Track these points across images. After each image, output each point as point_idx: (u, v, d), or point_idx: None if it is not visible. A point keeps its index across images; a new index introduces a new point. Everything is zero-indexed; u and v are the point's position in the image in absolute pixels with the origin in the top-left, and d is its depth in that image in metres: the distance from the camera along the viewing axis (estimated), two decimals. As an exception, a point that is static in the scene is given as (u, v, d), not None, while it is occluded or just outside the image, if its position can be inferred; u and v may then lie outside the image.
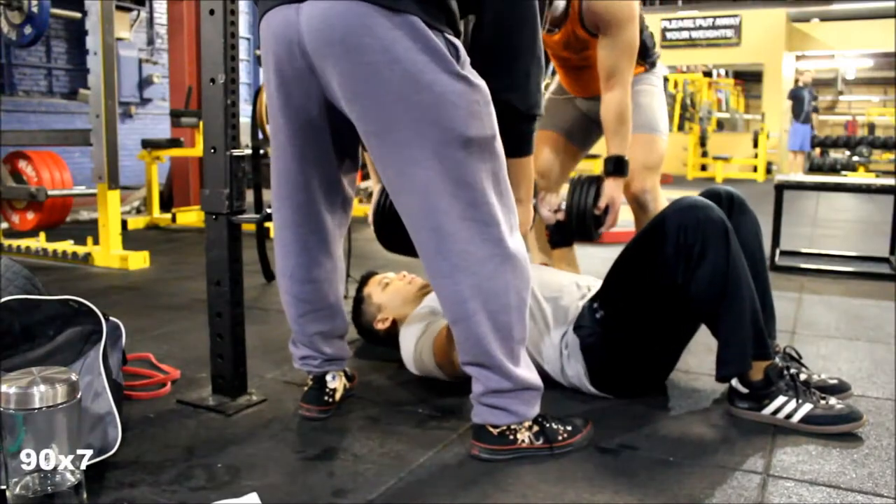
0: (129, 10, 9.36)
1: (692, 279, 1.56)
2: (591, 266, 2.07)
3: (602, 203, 1.99)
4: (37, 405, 1.03)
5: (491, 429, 1.40)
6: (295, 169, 1.47)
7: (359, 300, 2.09)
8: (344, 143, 1.48)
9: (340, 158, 1.51)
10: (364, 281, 2.12)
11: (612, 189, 2.01)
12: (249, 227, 2.16)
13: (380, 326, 2.01)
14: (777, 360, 1.64)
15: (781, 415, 1.57)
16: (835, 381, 1.78)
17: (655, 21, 12.81)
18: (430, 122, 1.26)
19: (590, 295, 1.76)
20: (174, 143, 5.26)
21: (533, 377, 1.42)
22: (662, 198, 2.27)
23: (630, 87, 2.06)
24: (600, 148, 2.47)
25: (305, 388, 1.64)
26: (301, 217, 1.51)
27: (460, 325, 1.37)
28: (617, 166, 2.02)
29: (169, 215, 5.22)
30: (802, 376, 1.69)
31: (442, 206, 1.30)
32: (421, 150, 1.28)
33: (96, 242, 3.71)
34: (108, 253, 3.62)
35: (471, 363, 1.40)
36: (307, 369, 1.64)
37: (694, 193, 1.68)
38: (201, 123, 1.92)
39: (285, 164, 1.48)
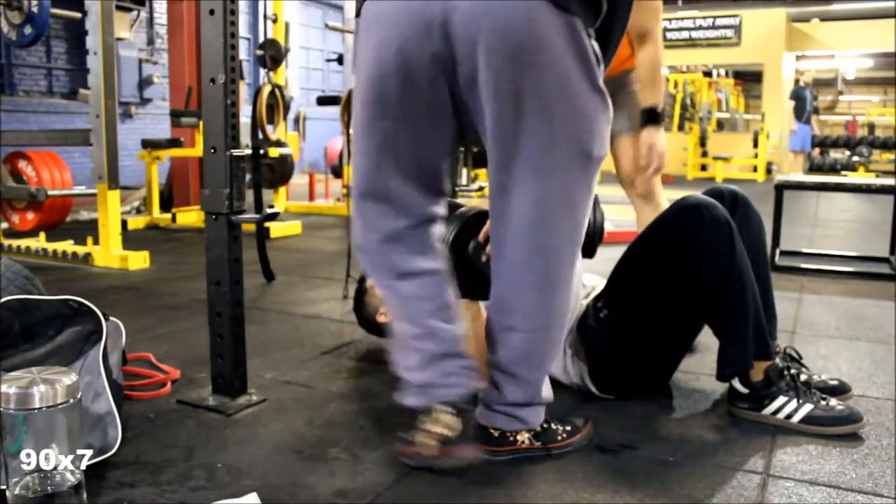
0: (129, 10, 9.32)
1: (696, 278, 1.56)
2: (595, 265, 2.07)
3: (643, 149, 2.18)
4: (37, 405, 1.03)
5: (492, 430, 1.40)
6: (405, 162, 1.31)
7: (361, 291, 2.06)
8: (453, 137, 1.33)
9: (445, 155, 1.35)
10: None
11: (650, 135, 2.19)
12: (249, 227, 2.16)
13: (382, 320, 2.00)
14: (778, 360, 1.64)
15: (782, 415, 1.57)
16: (835, 382, 1.77)
17: (655, 21, 12.78)
18: (562, 135, 1.21)
19: (594, 294, 1.76)
20: (174, 143, 5.26)
21: (549, 392, 1.44)
22: (663, 192, 2.39)
23: (660, 44, 2.23)
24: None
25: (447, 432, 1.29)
26: (408, 213, 1.34)
27: (520, 335, 1.34)
28: (651, 116, 2.20)
29: (169, 215, 5.22)
30: (803, 377, 1.69)
31: (552, 222, 1.28)
32: (545, 160, 1.22)
33: (96, 242, 3.71)
34: (108, 253, 3.62)
35: (505, 371, 1.37)
36: (454, 391, 1.32)
37: (696, 193, 1.68)
38: (201, 123, 1.92)
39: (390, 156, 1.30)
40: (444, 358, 1.31)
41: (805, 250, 4.06)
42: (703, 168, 12.71)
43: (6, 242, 4.00)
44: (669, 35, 13.19)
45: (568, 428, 1.46)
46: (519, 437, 1.40)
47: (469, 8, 1.14)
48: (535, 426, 1.42)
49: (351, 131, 1.36)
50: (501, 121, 1.21)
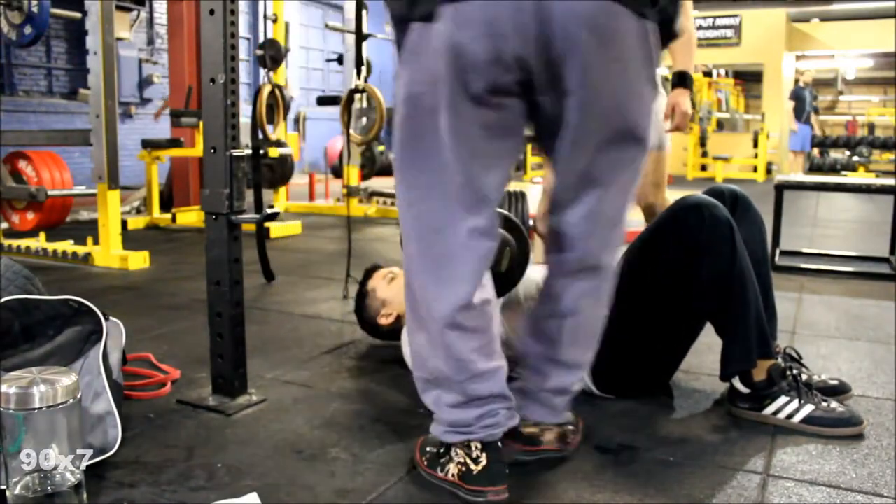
0: (129, 10, 9.33)
1: (696, 278, 1.56)
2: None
3: (668, 108, 2.41)
4: (37, 405, 1.03)
5: (524, 429, 1.38)
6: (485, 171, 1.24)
7: (362, 294, 2.08)
8: (520, 145, 1.31)
9: (513, 159, 1.32)
10: (368, 274, 2.10)
11: (677, 95, 2.41)
12: (249, 227, 2.16)
13: (383, 322, 2.01)
14: (779, 360, 1.64)
15: (782, 415, 1.57)
16: (835, 383, 1.77)
17: (655, 21, 12.77)
18: (631, 132, 1.24)
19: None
20: (174, 143, 5.26)
21: (580, 384, 1.47)
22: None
23: (690, 14, 2.47)
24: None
25: (476, 468, 1.25)
26: (478, 228, 1.25)
27: (572, 320, 1.35)
28: (681, 79, 2.45)
29: (169, 215, 5.22)
30: (804, 377, 1.69)
31: (612, 215, 1.31)
32: (614, 156, 1.25)
33: (96, 242, 3.71)
34: (108, 253, 3.62)
35: (553, 358, 1.37)
36: (495, 430, 1.28)
37: (696, 193, 1.68)
38: (201, 123, 1.92)
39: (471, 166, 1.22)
40: (488, 401, 1.27)
41: (805, 250, 4.06)
42: (703, 168, 12.72)
43: (6, 242, 4.00)
44: (669, 35, 13.15)
45: (570, 428, 1.46)
46: (546, 437, 1.39)
47: (561, 10, 1.12)
48: (566, 420, 1.42)
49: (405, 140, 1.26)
50: (581, 121, 1.21)
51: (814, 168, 13.66)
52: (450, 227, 1.23)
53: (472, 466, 1.25)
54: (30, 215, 4.63)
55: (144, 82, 9.84)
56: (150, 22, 10.19)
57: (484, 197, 1.24)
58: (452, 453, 1.28)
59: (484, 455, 1.25)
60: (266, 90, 4.65)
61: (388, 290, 2.01)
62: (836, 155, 14.82)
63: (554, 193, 1.34)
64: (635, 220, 2.20)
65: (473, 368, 1.25)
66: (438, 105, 1.18)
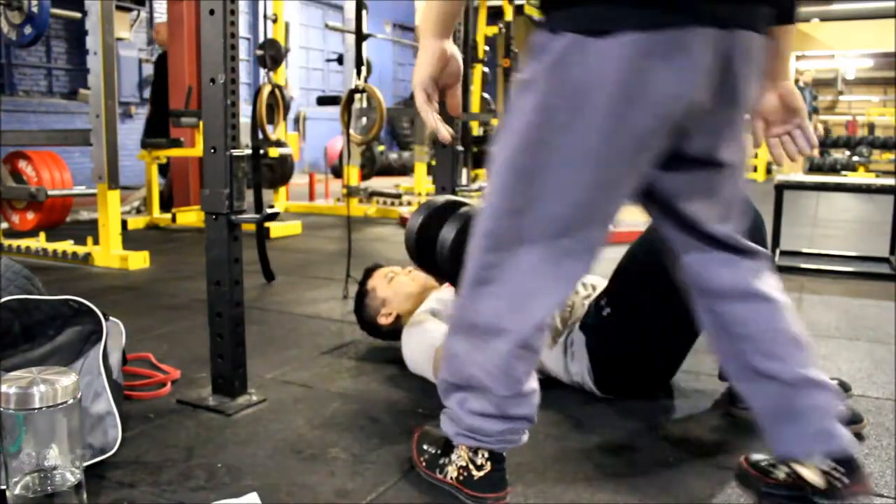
0: (129, 10, 9.36)
1: None
2: (595, 266, 2.09)
3: None
4: (37, 405, 1.03)
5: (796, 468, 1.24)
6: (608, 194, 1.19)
7: (362, 293, 2.08)
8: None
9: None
10: (368, 273, 2.10)
11: None
12: (249, 227, 2.16)
13: (383, 321, 2.01)
14: (777, 360, 1.64)
15: (782, 415, 1.56)
16: (835, 382, 1.77)
17: (655, 21, 12.77)
18: (742, 149, 1.25)
19: (596, 294, 1.76)
20: (174, 143, 5.26)
21: None
22: None
23: None
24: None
25: (478, 474, 1.25)
26: (581, 250, 1.23)
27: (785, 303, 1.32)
28: None
29: (169, 215, 5.22)
30: (802, 376, 1.69)
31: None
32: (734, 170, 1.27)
33: (96, 242, 3.71)
34: (108, 253, 3.62)
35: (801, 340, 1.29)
36: (510, 445, 1.26)
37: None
38: (201, 123, 1.92)
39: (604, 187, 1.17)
40: (517, 420, 1.24)
41: (805, 250, 4.06)
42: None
43: (6, 242, 4.00)
44: (669, 35, 13.14)
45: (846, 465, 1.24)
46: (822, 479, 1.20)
47: (739, 49, 1.11)
48: (842, 451, 1.21)
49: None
50: (736, 152, 1.22)
51: (814, 168, 13.65)
52: (547, 246, 1.18)
53: (474, 472, 1.24)
54: (30, 215, 4.64)
55: (144, 82, 9.83)
56: (150, 22, 10.20)
57: (590, 224, 1.19)
58: (454, 455, 1.27)
59: (488, 463, 1.24)
60: (266, 90, 4.65)
61: (388, 290, 2.02)
62: (837, 155, 14.82)
63: (691, 229, 1.28)
64: (637, 220, 2.19)
65: (518, 388, 1.22)
66: (575, 124, 1.11)
